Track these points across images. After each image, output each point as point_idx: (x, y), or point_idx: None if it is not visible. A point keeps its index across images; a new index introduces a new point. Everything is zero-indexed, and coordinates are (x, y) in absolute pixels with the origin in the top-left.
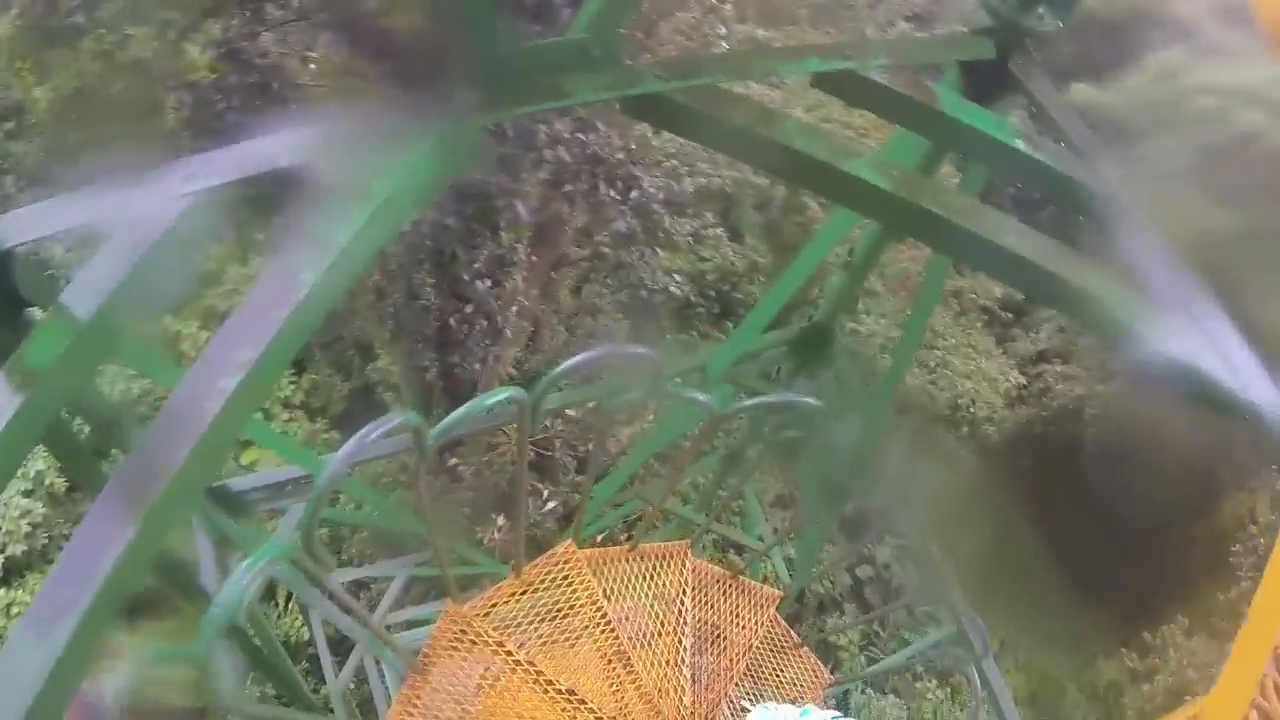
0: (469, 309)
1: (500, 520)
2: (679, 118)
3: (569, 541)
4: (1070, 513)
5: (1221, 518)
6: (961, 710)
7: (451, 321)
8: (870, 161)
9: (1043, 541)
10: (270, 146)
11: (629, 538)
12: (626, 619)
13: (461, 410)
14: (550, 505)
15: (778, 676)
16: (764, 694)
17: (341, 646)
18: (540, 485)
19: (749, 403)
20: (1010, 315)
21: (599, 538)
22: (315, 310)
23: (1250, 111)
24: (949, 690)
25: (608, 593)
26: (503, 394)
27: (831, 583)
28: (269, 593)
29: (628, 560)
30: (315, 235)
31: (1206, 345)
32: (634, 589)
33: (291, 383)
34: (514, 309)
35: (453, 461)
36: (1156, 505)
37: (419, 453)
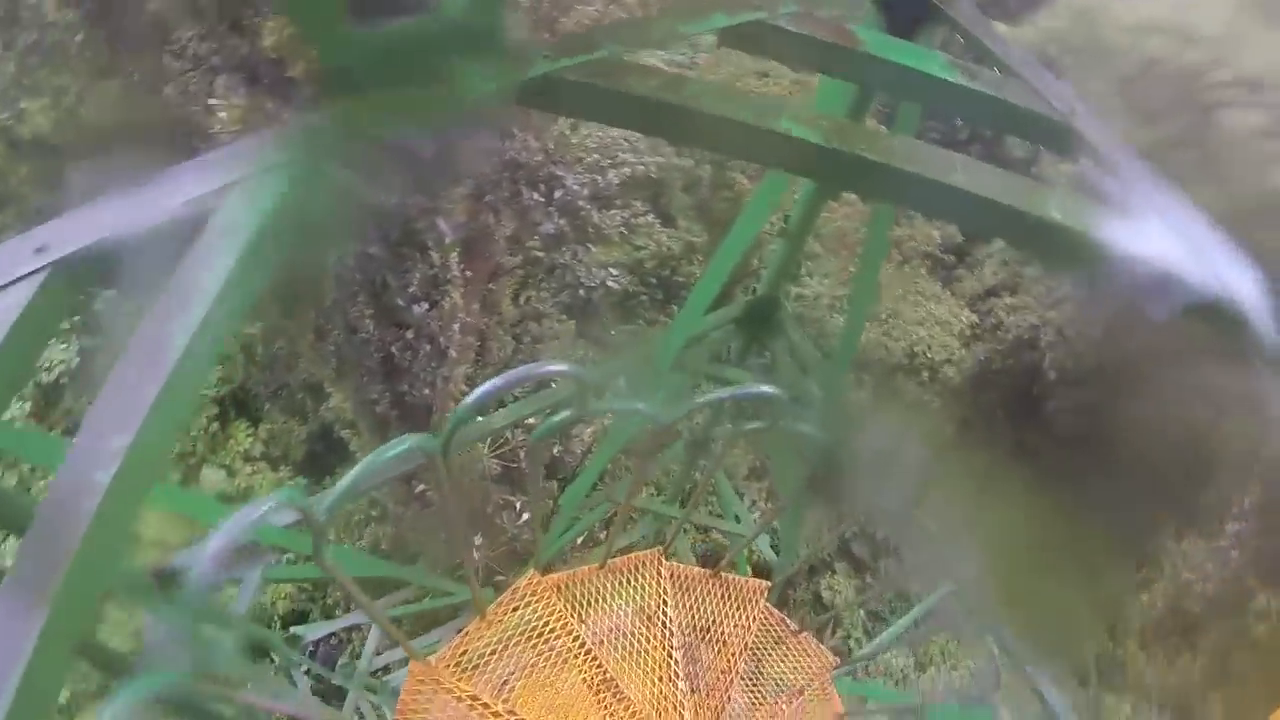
0: (410, 335)
1: (477, 540)
2: (579, 98)
3: (531, 572)
4: (1042, 438)
5: (1194, 419)
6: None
7: (394, 350)
8: (795, 115)
9: (1020, 473)
10: (136, 202)
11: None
12: (607, 641)
13: (356, 471)
14: (525, 516)
15: (780, 669)
16: (769, 690)
17: (334, 701)
18: (512, 498)
19: (695, 403)
20: (952, 257)
21: (579, 540)
22: (193, 374)
23: (1155, 39)
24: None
25: (583, 617)
26: (404, 444)
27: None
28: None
29: (599, 578)
30: (182, 289)
31: (1190, 252)
32: (611, 607)
33: (249, 435)
34: (456, 327)
35: (420, 487)
36: (1123, 418)
37: (312, 529)
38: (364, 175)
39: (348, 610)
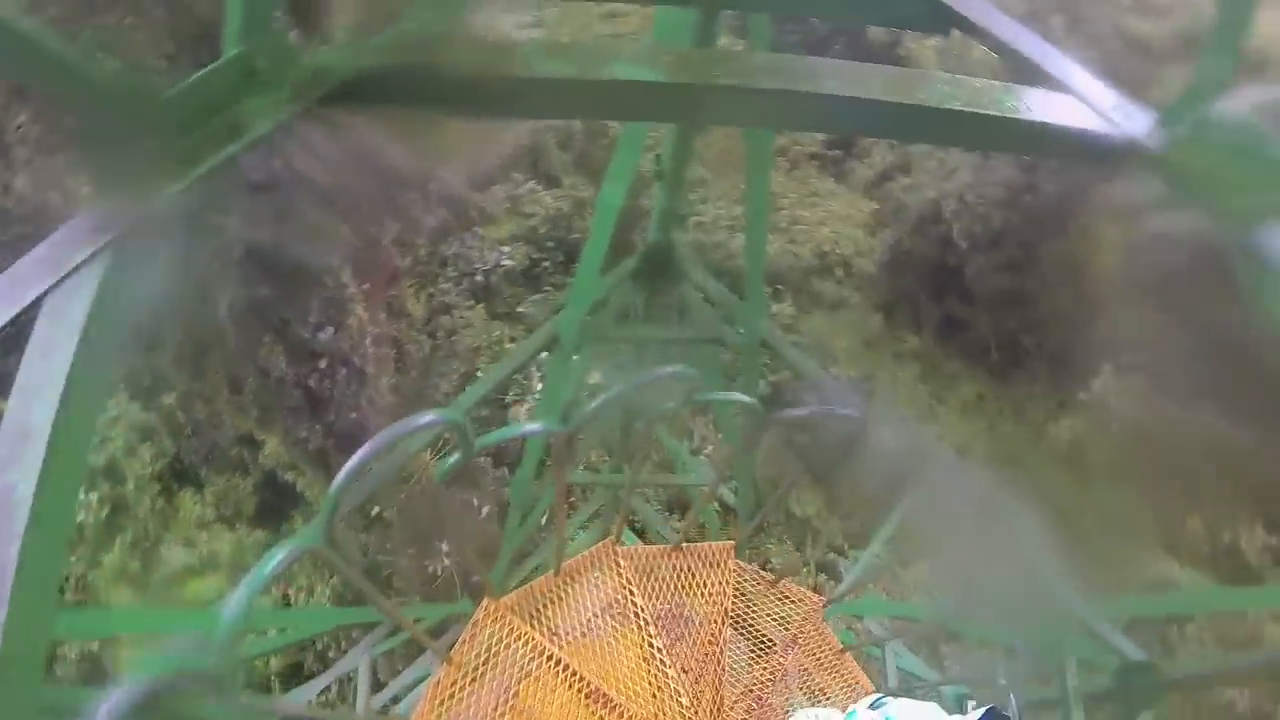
0: (323, 363)
1: (444, 546)
2: (394, 93)
3: (485, 601)
4: (967, 306)
5: (1105, 255)
6: None
7: (311, 383)
8: (633, 57)
9: (955, 345)
10: None
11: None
12: (583, 651)
13: (240, 596)
14: (485, 510)
15: (768, 623)
16: (762, 648)
17: None
18: (468, 497)
19: (593, 410)
20: (839, 151)
21: (543, 520)
22: (55, 513)
23: None
24: None
25: (552, 632)
26: (282, 550)
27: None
28: None
29: (557, 586)
30: (14, 428)
31: (1087, 104)
32: (577, 614)
33: (197, 502)
34: (367, 342)
35: (375, 510)
36: (1039, 268)
37: (215, 687)
38: (221, 229)
39: (341, 651)
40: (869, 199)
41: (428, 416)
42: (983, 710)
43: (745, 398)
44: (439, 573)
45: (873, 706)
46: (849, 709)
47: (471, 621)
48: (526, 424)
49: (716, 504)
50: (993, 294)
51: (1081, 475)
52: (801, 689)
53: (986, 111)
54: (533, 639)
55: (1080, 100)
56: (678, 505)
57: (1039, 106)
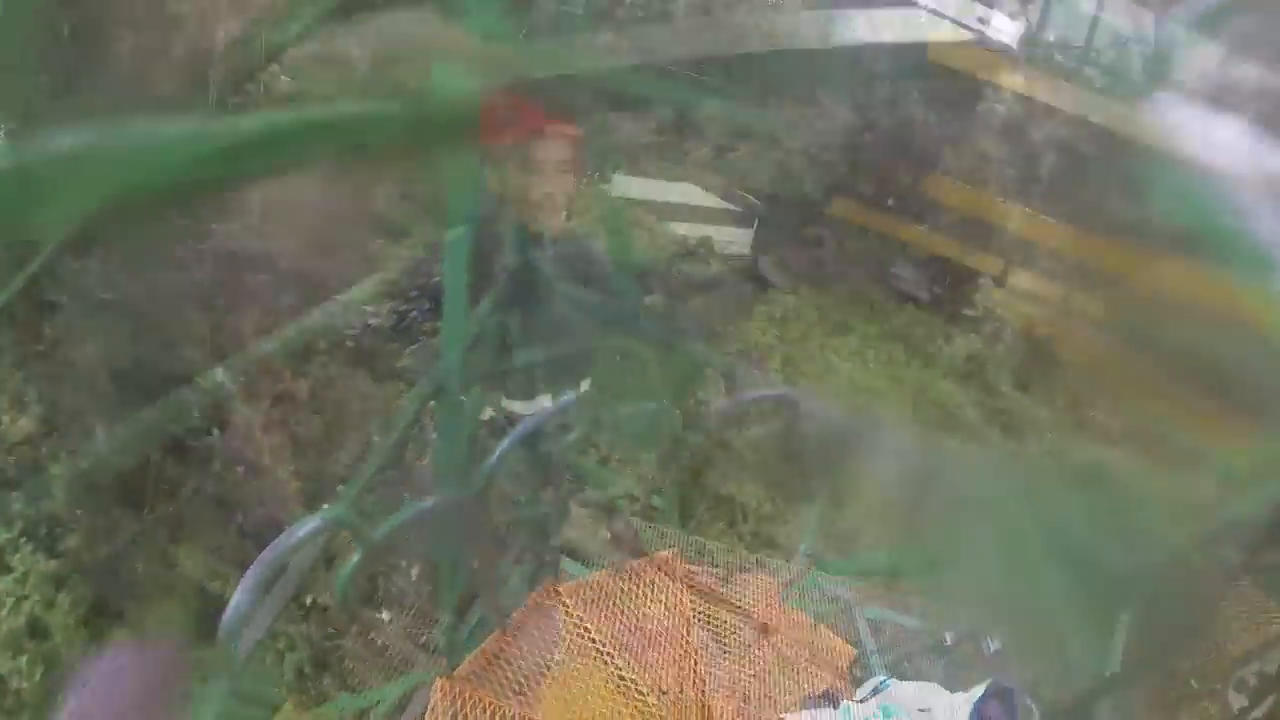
0: (216, 466)
1: (385, 616)
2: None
3: (438, 682)
4: (831, 250)
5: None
6: None
7: (210, 489)
8: (442, 70)
9: (826, 288)
10: None
11: None
12: (552, 703)
13: None
14: (415, 572)
15: (732, 619)
16: (734, 644)
17: None
18: (395, 561)
19: (487, 466)
20: (673, 135)
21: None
22: None
23: None
24: None
25: (516, 691)
26: None
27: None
28: None
29: (507, 644)
30: None
31: (944, 22)
32: (536, 665)
33: (126, 633)
34: (257, 434)
35: (310, 598)
36: (887, 198)
37: None
38: None
39: None
40: (713, 174)
41: (307, 526)
42: (985, 685)
43: (650, 406)
44: (388, 645)
45: (875, 691)
46: (842, 703)
47: (429, 707)
48: (422, 501)
49: (643, 506)
50: (857, 236)
51: (987, 387)
52: (785, 674)
53: (835, 44)
54: (498, 707)
55: (937, 15)
56: (602, 514)
57: (894, 28)
